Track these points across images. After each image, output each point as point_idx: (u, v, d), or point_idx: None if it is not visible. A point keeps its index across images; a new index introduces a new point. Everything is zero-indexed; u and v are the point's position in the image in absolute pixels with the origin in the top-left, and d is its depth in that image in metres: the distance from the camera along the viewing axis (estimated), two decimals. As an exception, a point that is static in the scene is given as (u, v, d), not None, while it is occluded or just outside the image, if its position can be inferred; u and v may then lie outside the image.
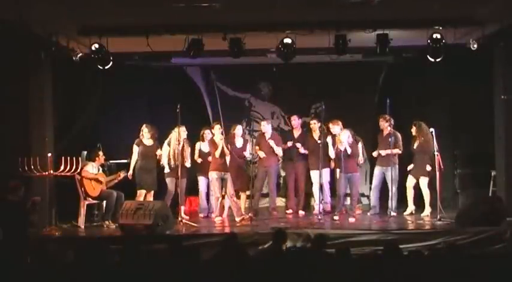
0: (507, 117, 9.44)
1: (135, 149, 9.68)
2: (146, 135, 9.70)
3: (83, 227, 9.18)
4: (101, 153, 9.57)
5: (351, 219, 9.41)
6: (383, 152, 9.72)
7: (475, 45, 8.91)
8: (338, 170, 9.86)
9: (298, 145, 10.16)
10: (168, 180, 9.71)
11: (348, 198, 10.17)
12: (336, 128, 9.83)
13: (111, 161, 10.22)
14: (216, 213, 9.70)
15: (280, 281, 5.09)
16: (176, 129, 9.50)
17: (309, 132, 10.40)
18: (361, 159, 10.16)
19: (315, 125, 10.17)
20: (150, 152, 9.69)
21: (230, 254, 5.80)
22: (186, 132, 9.67)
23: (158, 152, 9.71)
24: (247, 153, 9.96)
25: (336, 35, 8.82)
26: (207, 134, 10.01)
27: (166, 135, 9.80)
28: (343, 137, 9.52)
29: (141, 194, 9.60)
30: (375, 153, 9.96)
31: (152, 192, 9.72)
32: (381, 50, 8.88)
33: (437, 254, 5.98)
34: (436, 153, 9.24)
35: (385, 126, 9.87)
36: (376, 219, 9.57)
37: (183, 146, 9.62)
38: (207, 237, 8.22)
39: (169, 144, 9.65)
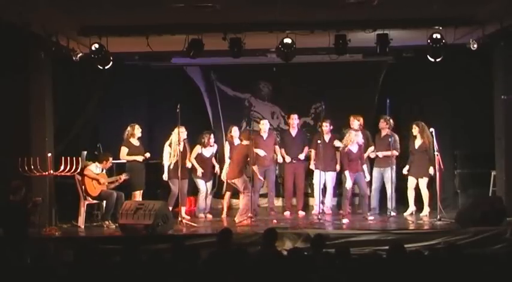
0: (507, 117, 9.43)
1: (125, 151, 9.63)
2: (137, 135, 9.69)
3: (83, 227, 9.18)
4: (110, 159, 9.56)
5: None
6: (380, 154, 9.73)
7: (475, 45, 8.91)
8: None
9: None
10: (171, 181, 9.70)
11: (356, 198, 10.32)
12: (355, 123, 9.93)
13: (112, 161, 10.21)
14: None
15: (279, 281, 5.09)
16: (176, 130, 9.51)
17: (315, 132, 10.39)
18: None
19: (326, 127, 10.12)
20: (139, 153, 9.68)
21: (226, 251, 5.80)
22: (186, 132, 9.66)
23: (147, 154, 9.73)
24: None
25: (336, 35, 8.81)
26: (208, 138, 9.99)
27: (166, 135, 9.79)
28: (356, 137, 9.54)
29: (135, 195, 9.60)
30: (372, 154, 9.95)
31: (141, 191, 9.72)
32: (381, 50, 8.87)
33: (437, 254, 5.99)
34: (436, 153, 9.24)
35: (385, 127, 9.89)
36: (376, 219, 9.57)
37: (184, 147, 9.62)
38: (208, 237, 8.20)
39: (170, 146, 9.65)
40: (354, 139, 9.48)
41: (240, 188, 9.40)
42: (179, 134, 9.46)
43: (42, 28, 8.29)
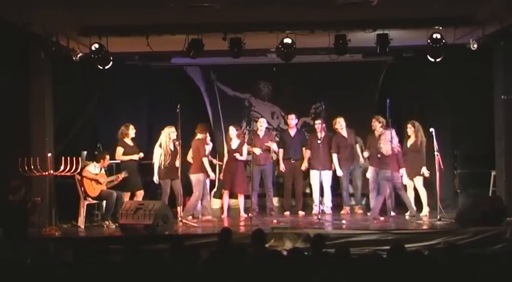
0: (507, 117, 9.44)
1: (121, 150, 9.62)
2: (131, 135, 9.68)
3: (83, 227, 9.18)
4: (107, 157, 9.55)
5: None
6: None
7: (475, 45, 8.92)
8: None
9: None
10: (162, 182, 9.67)
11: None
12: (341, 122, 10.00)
13: (110, 161, 10.19)
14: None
15: (279, 281, 5.09)
16: (166, 130, 9.51)
17: (312, 132, 10.38)
18: (361, 160, 10.19)
19: (319, 124, 10.14)
20: (134, 152, 9.67)
21: (226, 251, 5.80)
22: (175, 133, 9.50)
23: (141, 154, 9.72)
24: (238, 155, 9.81)
25: (336, 35, 8.82)
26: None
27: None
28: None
29: (127, 195, 9.57)
30: (365, 154, 9.92)
31: (142, 192, 9.70)
32: (380, 50, 8.88)
33: (437, 254, 5.98)
34: (436, 153, 9.23)
35: (378, 127, 9.87)
36: (376, 219, 9.56)
37: (174, 147, 9.57)
38: (208, 237, 8.20)
39: (160, 146, 9.62)
40: (390, 137, 9.34)
41: (192, 183, 9.51)
42: (169, 135, 9.49)
43: (42, 28, 8.30)
